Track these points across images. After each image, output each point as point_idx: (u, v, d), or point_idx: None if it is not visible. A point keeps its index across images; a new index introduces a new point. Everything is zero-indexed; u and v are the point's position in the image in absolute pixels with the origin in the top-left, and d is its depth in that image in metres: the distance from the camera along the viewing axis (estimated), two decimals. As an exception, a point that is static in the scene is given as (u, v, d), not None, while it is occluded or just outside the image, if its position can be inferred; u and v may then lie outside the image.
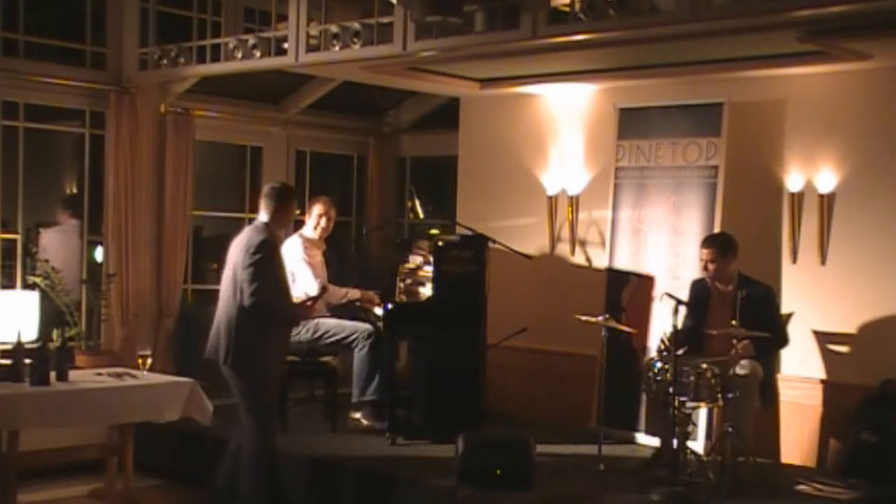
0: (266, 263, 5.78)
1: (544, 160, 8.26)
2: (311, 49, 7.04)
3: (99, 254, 8.14)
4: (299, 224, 7.55)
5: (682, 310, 6.20)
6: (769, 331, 6.04)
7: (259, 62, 7.33)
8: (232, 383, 5.98)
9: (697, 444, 6.46)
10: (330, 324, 7.17)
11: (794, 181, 6.98)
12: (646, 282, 7.29)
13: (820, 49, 6.25)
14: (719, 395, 5.94)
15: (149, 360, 6.58)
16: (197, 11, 8.12)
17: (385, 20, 6.64)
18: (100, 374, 6.49)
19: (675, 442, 5.92)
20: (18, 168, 7.67)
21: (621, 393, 7.03)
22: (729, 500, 5.73)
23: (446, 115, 9.13)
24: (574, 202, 8.03)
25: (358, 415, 7.30)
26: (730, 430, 5.92)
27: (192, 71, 7.76)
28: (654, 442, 6.64)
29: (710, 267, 6.41)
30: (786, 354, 6.76)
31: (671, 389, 5.91)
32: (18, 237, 7.74)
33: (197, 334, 8.10)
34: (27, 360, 6.02)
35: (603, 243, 7.75)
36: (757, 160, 7.13)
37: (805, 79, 6.92)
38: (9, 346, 6.21)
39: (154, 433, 6.87)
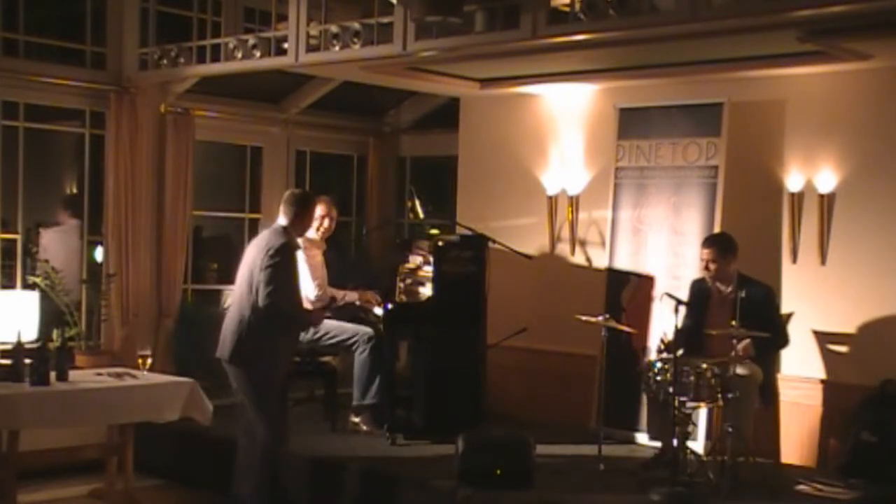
0: (283, 267, 5.85)
1: (544, 160, 8.26)
2: (311, 49, 7.04)
3: (99, 254, 8.14)
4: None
5: (682, 310, 6.20)
6: (769, 331, 6.04)
7: (259, 62, 7.32)
8: (238, 383, 5.99)
9: (697, 444, 6.46)
10: (331, 325, 7.16)
11: (794, 181, 6.99)
12: (646, 282, 7.29)
13: (820, 49, 6.25)
14: (719, 395, 5.94)
15: (149, 360, 6.58)
16: (197, 11, 8.12)
17: (385, 20, 6.64)
18: (100, 374, 6.49)
19: (675, 442, 5.93)
20: (18, 168, 7.67)
21: (621, 393, 7.03)
22: (729, 500, 5.73)
23: (446, 115, 9.13)
24: (574, 202, 8.03)
25: (358, 419, 7.29)
26: (730, 430, 5.91)
27: (192, 71, 7.76)
28: (655, 443, 6.63)
29: (711, 267, 6.41)
30: (786, 354, 6.76)
31: (671, 389, 5.92)
32: (18, 237, 7.74)
33: (197, 334, 8.15)
34: (27, 360, 6.02)
35: (603, 243, 7.75)
36: (757, 160, 7.13)
37: (805, 79, 6.93)
38: (9, 346, 6.21)
39: (154, 433, 6.87)
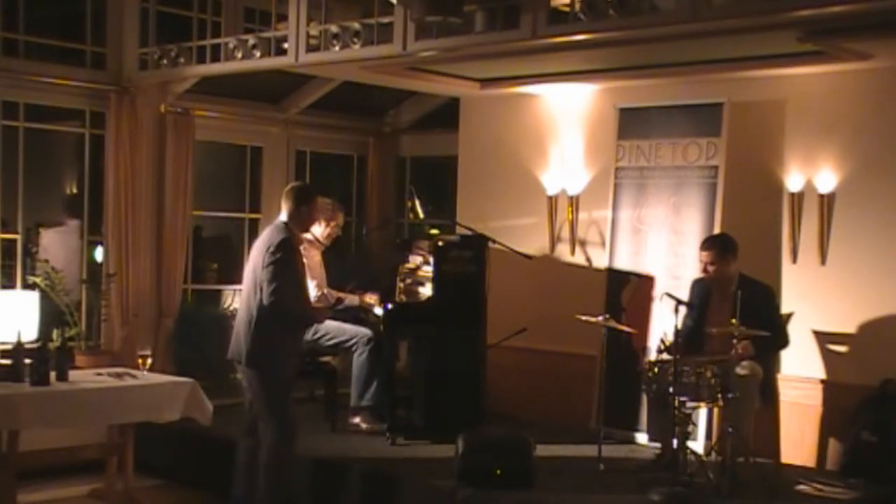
0: (285, 263, 5.79)
1: (544, 160, 8.26)
2: (311, 49, 7.03)
3: (99, 254, 8.14)
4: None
5: (682, 310, 6.20)
6: (769, 331, 6.04)
7: (259, 62, 7.32)
8: (251, 384, 5.95)
9: (697, 444, 6.46)
10: (330, 326, 7.17)
11: (794, 181, 6.99)
12: (646, 282, 7.29)
13: (820, 49, 6.25)
14: (719, 395, 5.93)
15: (149, 360, 6.58)
16: (197, 11, 8.11)
17: (385, 20, 6.64)
18: (100, 374, 6.49)
19: (674, 442, 5.93)
20: (18, 168, 7.67)
21: (621, 393, 7.03)
22: (729, 500, 5.73)
23: (446, 115, 9.13)
24: (574, 202, 8.03)
25: (356, 419, 7.30)
26: (730, 430, 5.91)
27: (192, 71, 7.76)
28: (655, 443, 6.63)
29: (711, 269, 6.40)
30: (786, 354, 6.75)
31: (671, 389, 5.92)
32: (18, 237, 7.73)
33: (197, 334, 8.16)
34: (27, 360, 6.01)
35: (603, 243, 7.75)
36: (757, 160, 7.13)
37: (805, 79, 6.93)
38: (9, 346, 6.21)
39: (154, 433, 6.87)
